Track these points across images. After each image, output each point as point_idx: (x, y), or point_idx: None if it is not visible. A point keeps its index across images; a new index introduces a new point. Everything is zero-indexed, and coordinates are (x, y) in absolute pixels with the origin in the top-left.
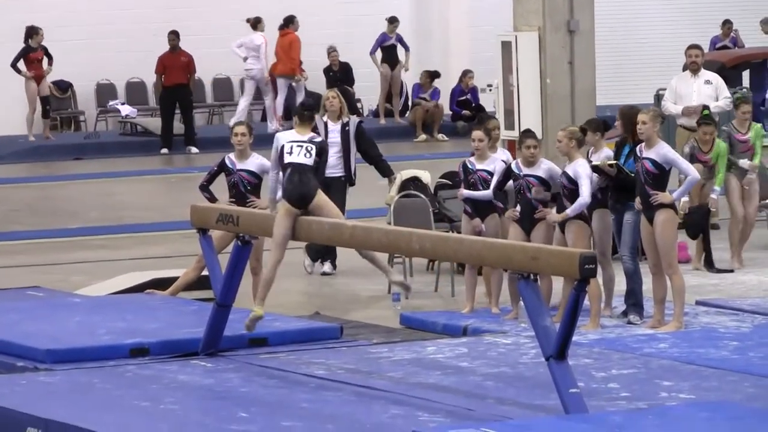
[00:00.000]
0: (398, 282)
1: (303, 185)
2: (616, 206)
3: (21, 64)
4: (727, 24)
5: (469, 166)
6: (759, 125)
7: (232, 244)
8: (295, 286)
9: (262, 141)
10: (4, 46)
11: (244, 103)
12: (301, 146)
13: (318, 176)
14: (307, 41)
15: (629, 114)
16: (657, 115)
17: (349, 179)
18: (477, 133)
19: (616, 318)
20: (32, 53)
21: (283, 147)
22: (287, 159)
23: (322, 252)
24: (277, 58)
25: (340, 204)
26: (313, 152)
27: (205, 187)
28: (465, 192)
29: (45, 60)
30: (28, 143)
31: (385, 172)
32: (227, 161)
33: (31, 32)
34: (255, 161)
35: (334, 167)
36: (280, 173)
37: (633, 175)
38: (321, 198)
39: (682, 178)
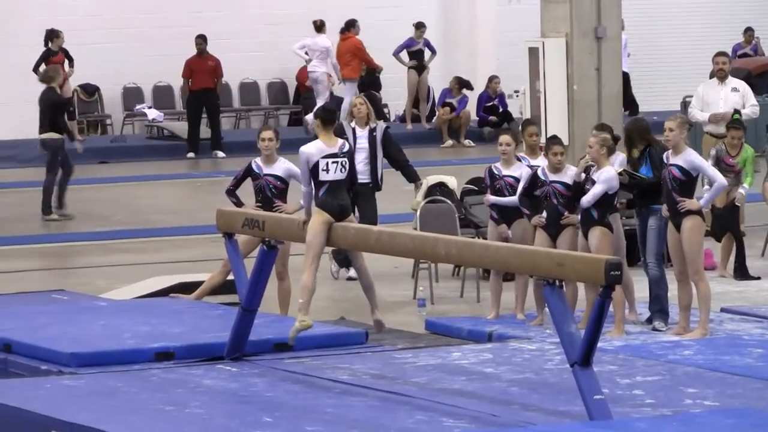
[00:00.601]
0: (377, 320)
1: (342, 200)
2: (641, 211)
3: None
4: (749, 31)
5: (495, 172)
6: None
7: (257, 249)
8: (320, 292)
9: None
10: (27, 49)
11: (320, 103)
12: (337, 162)
13: (351, 180)
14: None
15: (638, 127)
16: (684, 122)
17: (376, 185)
18: (505, 138)
19: (641, 324)
20: (53, 56)
21: (317, 164)
22: (324, 177)
23: (348, 258)
24: (341, 63)
25: (371, 210)
26: (347, 165)
27: (231, 192)
28: (491, 198)
29: (66, 63)
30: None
31: (412, 177)
32: (254, 166)
33: (52, 35)
34: (282, 166)
35: (361, 173)
36: (312, 189)
37: (647, 179)
38: (352, 219)
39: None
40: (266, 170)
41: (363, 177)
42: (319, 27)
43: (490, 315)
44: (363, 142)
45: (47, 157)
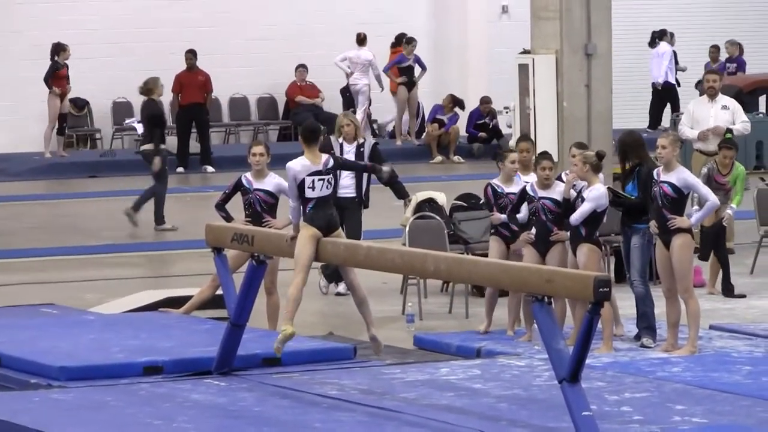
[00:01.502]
0: (372, 336)
1: (329, 213)
2: (624, 229)
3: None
4: (713, 48)
5: (498, 190)
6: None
7: (246, 264)
8: (309, 306)
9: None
10: (22, 64)
11: (359, 116)
12: (323, 180)
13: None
14: (324, 62)
15: (633, 140)
16: (676, 140)
17: (361, 200)
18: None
19: (629, 341)
20: (60, 70)
21: (303, 181)
22: (310, 194)
23: (337, 273)
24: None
25: (356, 225)
26: (333, 182)
27: (221, 206)
28: (502, 217)
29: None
30: (43, 160)
31: (401, 193)
32: (244, 180)
33: (58, 49)
34: (272, 181)
35: (347, 188)
36: (300, 205)
37: (633, 198)
38: (340, 233)
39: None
40: (256, 185)
41: (348, 191)
42: (362, 40)
43: (482, 326)
44: (350, 158)
45: (156, 168)
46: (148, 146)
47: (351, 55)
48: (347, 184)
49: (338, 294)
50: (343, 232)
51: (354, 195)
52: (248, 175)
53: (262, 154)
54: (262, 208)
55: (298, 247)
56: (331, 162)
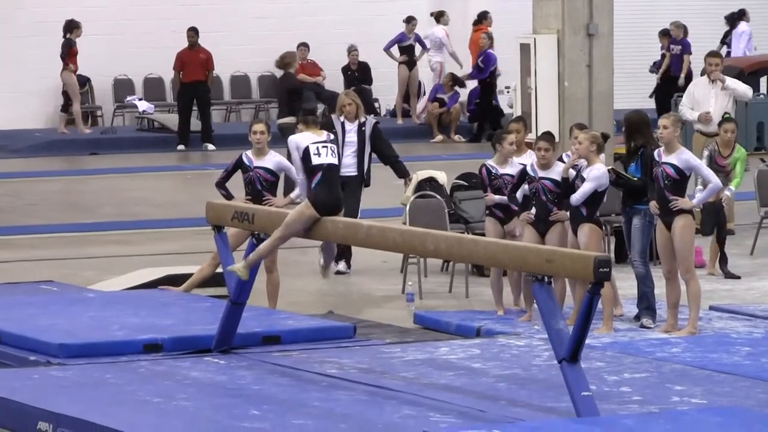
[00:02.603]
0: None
1: (335, 196)
2: (625, 210)
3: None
4: (665, 33)
5: (492, 171)
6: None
7: (246, 242)
8: (308, 285)
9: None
10: (22, 41)
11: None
12: (327, 147)
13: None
14: (325, 40)
15: (641, 119)
16: (677, 120)
17: (362, 178)
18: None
19: (629, 322)
20: (73, 47)
21: (308, 149)
22: (316, 161)
23: (338, 253)
24: (472, 53)
25: (355, 203)
26: (336, 152)
27: (221, 184)
28: (495, 198)
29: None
30: (45, 137)
31: (401, 173)
32: (244, 158)
33: (72, 26)
34: (273, 159)
35: (349, 167)
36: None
37: (636, 179)
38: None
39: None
40: (257, 163)
41: (350, 170)
42: (438, 17)
43: (499, 312)
44: (352, 136)
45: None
46: (287, 119)
47: (428, 33)
48: (349, 162)
49: (338, 272)
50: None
51: (355, 173)
52: (249, 153)
53: (263, 132)
54: (262, 186)
55: (292, 217)
56: (332, 137)
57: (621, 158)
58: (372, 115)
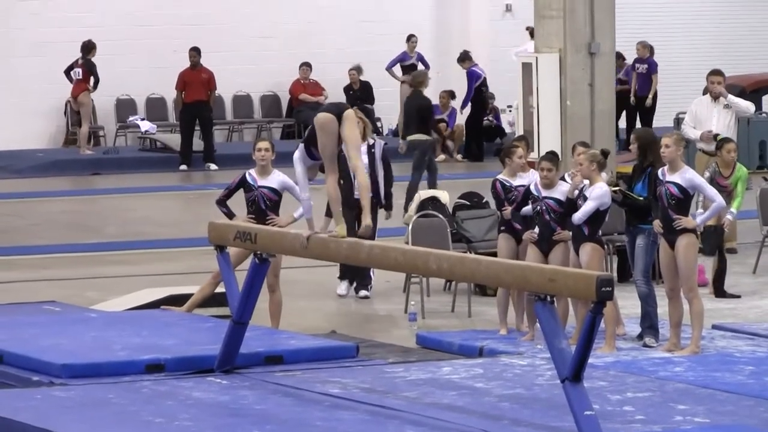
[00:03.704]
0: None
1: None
2: (629, 229)
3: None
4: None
5: (507, 184)
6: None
7: (248, 260)
8: (311, 305)
9: None
10: (24, 61)
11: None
12: None
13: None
14: (327, 60)
15: (653, 138)
16: (680, 139)
17: (378, 201)
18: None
19: (632, 341)
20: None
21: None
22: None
23: (349, 271)
24: None
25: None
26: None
27: (222, 202)
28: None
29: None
30: (48, 157)
31: (387, 205)
32: (248, 177)
33: (90, 47)
34: (277, 178)
35: None
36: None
37: (642, 199)
38: (351, 113)
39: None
40: (261, 182)
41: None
42: (532, 33)
43: (502, 332)
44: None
45: (415, 157)
46: (417, 136)
47: (521, 50)
48: None
49: (362, 298)
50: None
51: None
52: (252, 171)
53: (267, 150)
54: (266, 205)
55: (320, 144)
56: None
57: (624, 177)
58: (378, 135)
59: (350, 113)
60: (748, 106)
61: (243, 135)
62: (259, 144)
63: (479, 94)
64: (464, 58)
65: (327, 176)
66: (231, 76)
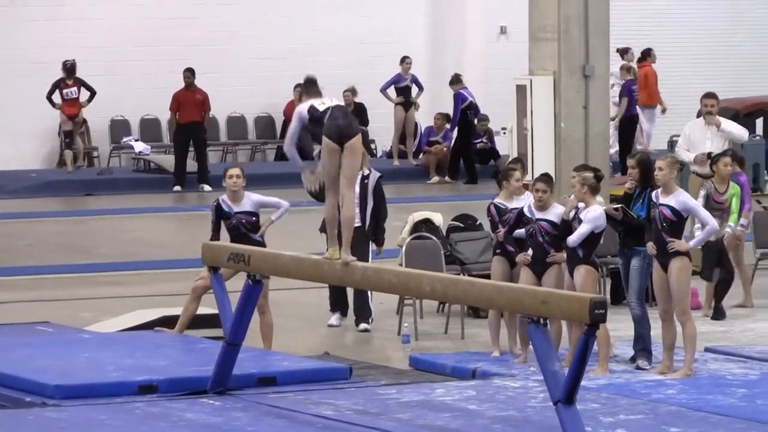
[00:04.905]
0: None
1: (344, 119)
2: (623, 251)
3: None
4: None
5: (502, 207)
6: (737, 186)
7: (232, 277)
8: (304, 327)
9: None
10: (18, 81)
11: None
12: (329, 100)
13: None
14: (322, 82)
15: (650, 160)
16: (674, 162)
17: (365, 231)
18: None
19: (625, 363)
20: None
21: (312, 105)
22: (322, 108)
23: (340, 302)
24: (639, 89)
25: (363, 253)
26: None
27: (215, 240)
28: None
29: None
30: (41, 178)
31: (378, 240)
32: (223, 205)
33: (74, 65)
34: (249, 200)
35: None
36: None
37: (639, 220)
38: (357, 142)
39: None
40: (236, 208)
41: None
42: (622, 54)
43: (494, 354)
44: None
45: None
46: None
47: (615, 71)
48: None
49: (363, 331)
50: (356, 148)
51: (359, 224)
52: (224, 198)
53: (239, 176)
54: (246, 228)
55: (322, 160)
56: (334, 99)
57: (618, 199)
58: (372, 157)
59: (355, 145)
60: (742, 133)
61: (237, 156)
62: (231, 171)
63: (465, 117)
64: (455, 80)
65: (327, 196)
66: (225, 97)
